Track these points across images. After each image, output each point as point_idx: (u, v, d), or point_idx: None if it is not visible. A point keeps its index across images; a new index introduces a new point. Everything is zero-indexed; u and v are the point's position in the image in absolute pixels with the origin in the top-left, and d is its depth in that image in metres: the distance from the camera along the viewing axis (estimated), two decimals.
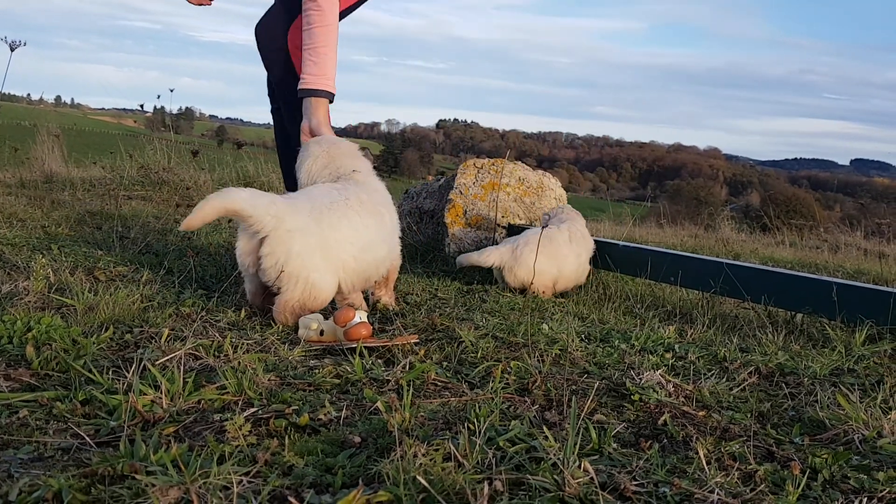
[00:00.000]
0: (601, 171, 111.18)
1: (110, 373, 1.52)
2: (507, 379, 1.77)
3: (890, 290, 2.96)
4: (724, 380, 1.99)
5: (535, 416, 1.53)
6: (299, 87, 2.81)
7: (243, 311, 2.29)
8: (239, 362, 1.66)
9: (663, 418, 1.61)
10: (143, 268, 2.84)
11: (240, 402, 1.40)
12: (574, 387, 1.77)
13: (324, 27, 2.75)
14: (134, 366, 1.47)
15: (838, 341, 2.73)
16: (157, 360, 1.61)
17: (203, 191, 6.58)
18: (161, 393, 1.36)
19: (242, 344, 1.82)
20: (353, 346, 1.89)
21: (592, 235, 4.39)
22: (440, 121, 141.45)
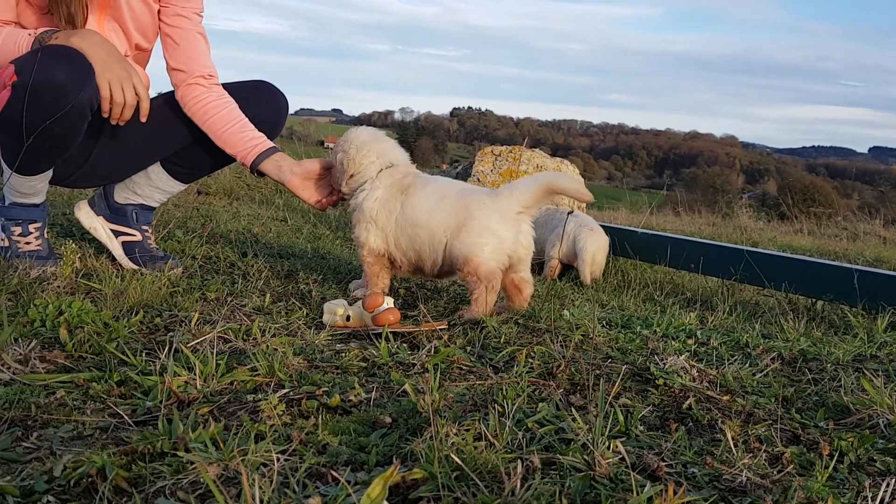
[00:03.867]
0: (616, 159, 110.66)
1: (143, 355, 1.55)
2: (532, 363, 1.79)
3: None
4: (748, 365, 1.99)
5: (561, 400, 1.55)
6: (269, 146, 2.68)
7: (268, 295, 2.32)
8: (268, 345, 1.68)
9: (688, 402, 1.62)
10: (167, 252, 2.87)
11: (272, 384, 1.43)
12: (598, 371, 1.79)
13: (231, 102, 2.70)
14: (166, 348, 1.49)
15: (860, 328, 2.72)
16: (188, 342, 1.64)
17: (220, 177, 6.63)
18: (195, 374, 1.39)
19: (270, 328, 1.85)
20: (380, 331, 1.91)
21: (609, 223, 4.45)
22: (454, 109, 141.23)
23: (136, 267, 2.73)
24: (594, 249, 3.94)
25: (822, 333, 2.63)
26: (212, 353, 1.47)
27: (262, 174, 2.63)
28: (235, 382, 1.41)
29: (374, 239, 2.56)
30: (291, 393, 1.38)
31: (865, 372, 2.02)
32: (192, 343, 1.62)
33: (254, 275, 2.81)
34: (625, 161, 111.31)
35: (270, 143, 2.63)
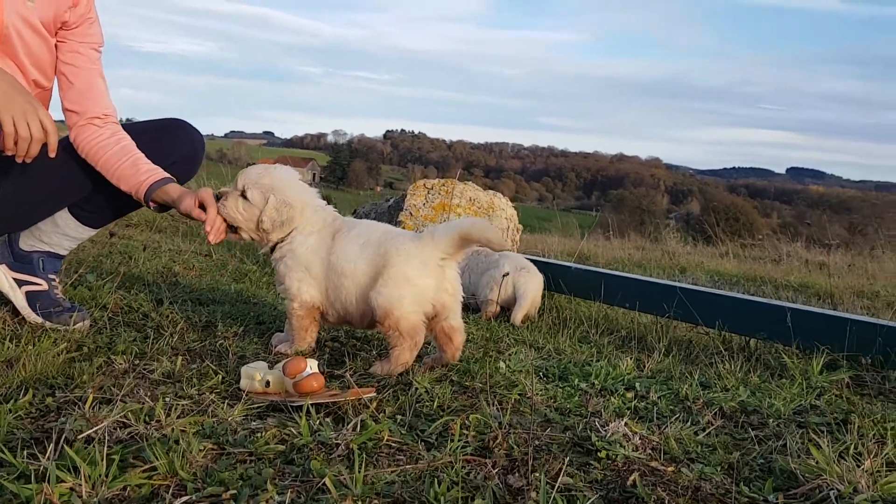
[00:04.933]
0: (547, 181, 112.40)
1: (26, 451, 1.36)
2: (467, 436, 1.66)
3: (845, 315, 2.96)
4: (689, 423, 1.91)
5: (498, 484, 1.42)
6: (163, 176, 2.48)
7: (180, 358, 2.13)
8: (172, 429, 1.51)
9: (632, 478, 1.51)
10: (74, 303, 2.64)
11: (171, 487, 1.25)
12: (537, 442, 1.67)
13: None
14: (51, 445, 1.30)
15: (796, 370, 2.70)
16: (80, 431, 1.45)
17: (146, 212, 6.30)
18: (81, 479, 1.20)
19: (176, 405, 1.67)
20: (300, 403, 1.75)
21: (542, 250, 4.42)
22: (387, 131, 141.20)
23: (39, 320, 2.50)
24: (534, 294, 3.89)
25: (760, 379, 2.59)
26: (103, 449, 1.29)
27: (157, 206, 2.44)
28: (129, 487, 1.24)
29: (307, 290, 2.40)
30: (194, 498, 1.21)
31: (808, 429, 1.96)
32: (85, 433, 1.43)
33: (168, 327, 2.60)
34: (555, 183, 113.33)
35: (165, 174, 2.45)
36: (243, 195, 2.40)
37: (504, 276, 3.77)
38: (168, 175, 2.46)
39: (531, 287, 3.88)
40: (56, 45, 2.42)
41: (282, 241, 2.43)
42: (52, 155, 2.26)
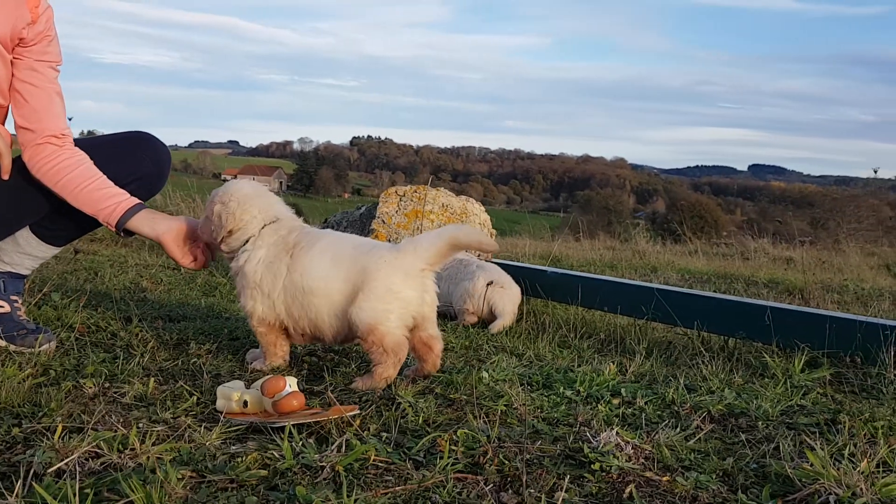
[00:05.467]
0: (514, 184, 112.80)
1: None
2: (456, 452, 1.60)
3: (824, 312, 2.96)
4: (678, 430, 1.88)
5: (492, 502, 1.37)
6: (134, 203, 2.42)
7: (152, 380, 2.04)
8: (147, 458, 1.43)
9: (628, 490, 1.48)
10: (39, 324, 2.53)
11: None
12: (528, 456, 1.62)
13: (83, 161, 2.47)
14: (19, 482, 1.22)
15: (777, 369, 2.70)
16: (49, 464, 1.37)
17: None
18: None
19: (151, 431, 1.59)
20: (281, 424, 1.68)
21: (518, 262, 4.39)
22: (354, 138, 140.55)
23: (2, 344, 2.40)
24: (512, 310, 3.86)
25: (743, 380, 2.58)
26: (75, 483, 1.21)
27: (129, 233, 2.36)
28: None
29: (262, 308, 2.32)
30: None
31: (798, 431, 1.95)
32: (55, 466, 1.35)
33: (138, 346, 2.51)
34: (522, 185, 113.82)
35: (135, 200, 2.37)
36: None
37: (488, 285, 3.77)
38: (139, 201, 2.38)
39: (508, 305, 3.84)
40: (11, 62, 2.32)
41: (233, 257, 2.37)
42: (5, 178, 2.17)
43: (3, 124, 2.42)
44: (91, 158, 2.41)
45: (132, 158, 2.55)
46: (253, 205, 2.33)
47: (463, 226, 2.35)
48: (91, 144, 2.52)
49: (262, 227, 2.33)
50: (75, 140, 2.48)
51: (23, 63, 2.32)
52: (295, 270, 2.25)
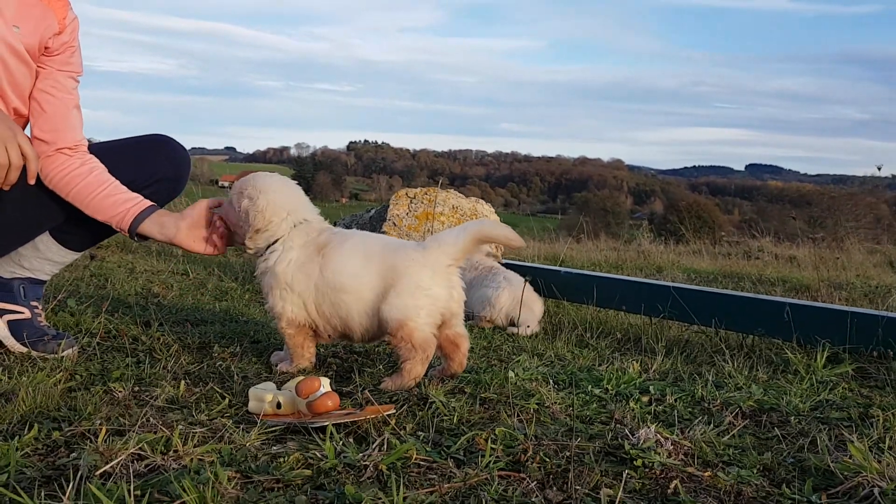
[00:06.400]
0: (512, 187, 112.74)
1: (42, 491, 1.27)
2: (496, 450, 1.60)
3: (845, 308, 2.96)
4: (712, 426, 1.88)
5: (539, 499, 1.37)
6: (146, 206, 2.36)
7: (182, 382, 2.04)
8: (191, 459, 1.43)
9: (673, 485, 1.47)
10: (59, 330, 2.52)
11: None
12: (569, 453, 1.62)
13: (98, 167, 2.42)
14: (70, 483, 1.22)
15: (800, 365, 2.70)
16: (95, 467, 1.36)
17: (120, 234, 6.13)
18: None
19: (192, 433, 1.58)
20: (320, 424, 1.68)
21: (530, 262, 4.36)
22: (351, 143, 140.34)
23: (24, 350, 2.39)
24: (535, 326, 3.81)
25: (767, 376, 2.58)
26: (129, 486, 1.20)
27: (143, 237, 2.35)
28: None
29: (291, 308, 2.31)
30: None
31: (831, 425, 1.95)
32: (101, 469, 1.35)
33: (161, 350, 2.51)
34: (520, 188, 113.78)
35: (147, 203, 2.35)
36: (231, 203, 2.37)
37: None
38: (151, 203, 2.37)
39: (533, 321, 3.79)
40: (37, 73, 2.31)
41: (261, 256, 2.36)
42: (31, 182, 2.16)
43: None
44: (109, 162, 2.39)
45: (150, 162, 2.54)
46: (282, 206, 2.32)
47: (487, 220, 2.34)
48: (109, 148, 2.52)
49: (292, 229, 2.32)
50: (94, 144, 2.47)
51: (44, 72, 2.31)
52: (326, 269, 2.25)
